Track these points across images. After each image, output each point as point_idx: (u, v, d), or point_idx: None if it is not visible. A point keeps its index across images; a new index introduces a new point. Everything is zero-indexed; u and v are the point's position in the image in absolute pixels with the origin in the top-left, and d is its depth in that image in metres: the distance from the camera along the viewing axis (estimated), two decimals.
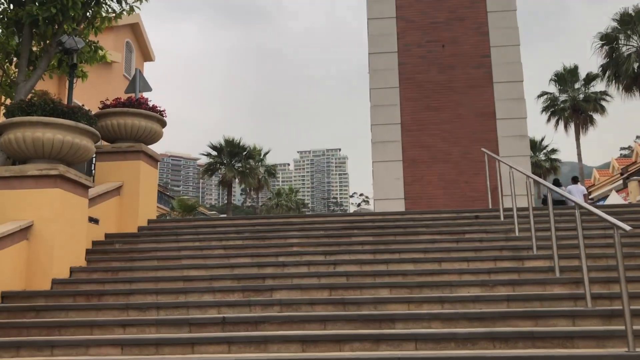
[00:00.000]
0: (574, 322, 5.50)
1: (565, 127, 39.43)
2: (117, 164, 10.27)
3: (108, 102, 10.62)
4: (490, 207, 14.77)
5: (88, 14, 11.05)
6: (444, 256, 7.66)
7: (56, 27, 10.38)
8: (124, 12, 11.63)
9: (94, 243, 9.10)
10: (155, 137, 10.80)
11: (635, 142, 58.70)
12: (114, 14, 11.56)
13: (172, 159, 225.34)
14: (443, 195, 14.78)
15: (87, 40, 11.55)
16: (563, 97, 39.57)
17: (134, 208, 10.11)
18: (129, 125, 10.23)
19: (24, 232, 7.39)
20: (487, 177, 11.22)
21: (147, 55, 36.43)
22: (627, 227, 4.79)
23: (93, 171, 10.61)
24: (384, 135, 15.18)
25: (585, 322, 5.48)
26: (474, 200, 14.68)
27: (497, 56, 15.30)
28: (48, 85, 13.20)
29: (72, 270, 7.85)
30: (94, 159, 10.58)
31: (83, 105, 10.58)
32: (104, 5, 11.11)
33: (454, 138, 15.05)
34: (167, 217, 30.29)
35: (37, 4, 10.02)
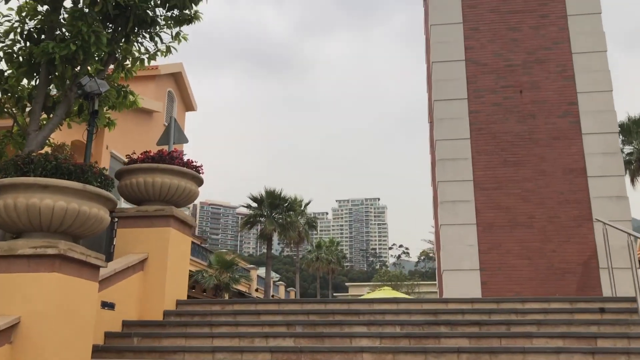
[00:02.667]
0: None
1: (632, 181, 36.40)
2: (143, 231, 8.41)
3: (135, 156, 8.88)
4: (585, 281, 12.36)
5: (117, 54, 9.43)
6: None
7: (78, 67, 8.76)
8: (159, 53, 10.00)
9: (107, 335, 7.15)
10: (189, 198, 8.94)
11: None
12: (147, 55, 9.93)
13: (211, 207, 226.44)
14: (526, 267, 12.40)
15: (116, 84, 9.94)
16: (628, 149, 36.75)
17: (160, 287, 8.17)
18: (158, 184, 8.41)
19: (7, 333, 5.48)
20: (608, 252, 8.85)
21: (189, 105, 35.54)
22: None
23: (114, 239, 8.77)
24: (454, 194, 13.02)
25: None
26: (564, 274, 12.25)
27: (585, 103, 13.12)
28: (78, 135, 11.65)
29: None
30: (115, 224, 8.77)
31: (129, 155, 8.88)
32: (135, 43, 9.48)
33: (537, 198, 12.77)
34: (203, 275, 28.41)
35: (55, 40, 8.43)
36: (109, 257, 8.56)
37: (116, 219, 8.68)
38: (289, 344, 6.67)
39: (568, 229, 12.49)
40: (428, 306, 7.96)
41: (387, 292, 36.07)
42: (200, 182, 9.11)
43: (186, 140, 10.41)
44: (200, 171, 9.10)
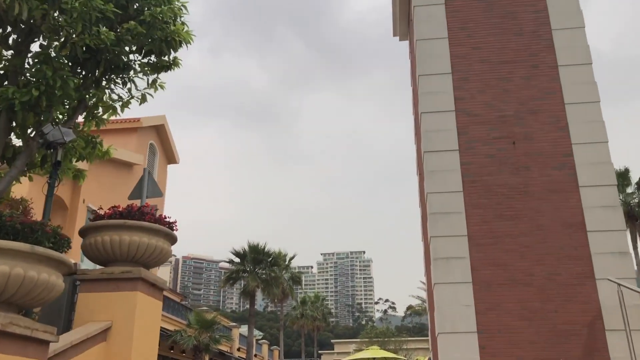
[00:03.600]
0: None
1: None
2: (107, 296, 7.52)
3: (102, 212, 8.06)
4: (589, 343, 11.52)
5: (87, 100, 8.75)
6: None
7: (41, 115, 8.03)
8: (134, 100, 9.34)
9: None
10: (161, 258, 8.10)
11: None
12: (120, 102, 9.26)
13: (194, 262, 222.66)
14: (527, 329, 11.55)
15: (85, 134, 9.21)
16: None
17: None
18: (126, 242, 7.58)
19: None
20: (625, 314, 8.10)
21: (170, 157, 34.86)
22: None
23: (75, 305, 7.82)
24: (448, 250, 12.27)
25: None
26: (569, 336, 11.41)
27: (581, 155, 12.63)
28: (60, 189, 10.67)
29: None
30: (77, 287, 7.86)
31: (99, 209, 8.05)
32: (106, 89, 8.81)
33: (535, 255, 12.06)
34: (182, 335, 26.95)
35: (17, 86, 7.74)
36: (68, 326, 7.62)
37: (78, 282, 7.78)
38: None
39: (569, 287, 11.73)
40: None
41: (375, 352, 34.67)
42: (173, 240, 8.29)
43: (160, 194, 9.63)
44: (174, 228, 8.30)
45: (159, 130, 32.12)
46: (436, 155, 13.08)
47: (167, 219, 8.27)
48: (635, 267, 34.00)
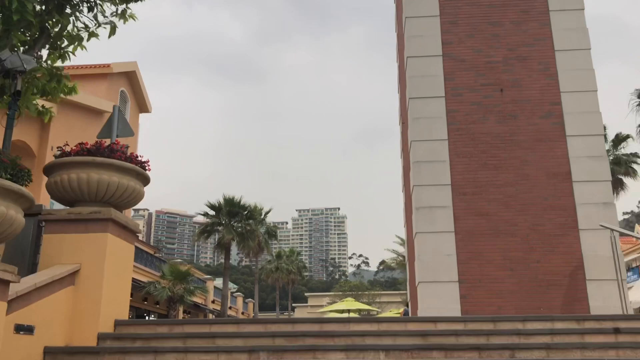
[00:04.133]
0: None
1: None
2: (75, 238, 6.99)
3: (68, 149, 7.46)
4: (568, 295, 11.45)
5: (49, 28, 8.00)
6: None
7: None
8: (102, 29, 8.62)
9: None
10: (132, 199, 7.57)
11: None
12: (86, 32, 8.52)
13: (167, 216, 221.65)
14: (508, 279, 11.42)
15: (48, 65, 8.49)
16: None
17: (95, 305, 6.75)
18: (94, 181, 7.02)
19: None
20: (618, 264, 7.91)
21: (143, 106, 33.78)
22: None
23: (40, 248, 7.29)
24: (431, 199, 11.97)
25: None
26: (550, 286, 11.32)
27: (569, 104, 12.31)
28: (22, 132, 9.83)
29: None
30: (42, 229, 7.32)
31: (65, 145, 7.44)
32: (70, 18, 8.07)
33: (520, 204, 11.84)
34: (156, 287, 26.61)
35: None
36: (33, 270, 7.11)
37: (43, 223, 7.23)
38: None
39: (553, 237, 11.59)
40: (414, 326, 6.80)
41: (349, 304, 34.98)
42: (146, 180, 7.74)
43: (132, 133, 9.02)
44: (147, 167, 7.75)
45: (130, 78, 30.95)
46: (421, 101, 12.62)
47: (140, 158, 7.71)
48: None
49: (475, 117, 12.44)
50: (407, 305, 23.02)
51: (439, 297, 11.35)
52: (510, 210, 11.84)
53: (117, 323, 7.02)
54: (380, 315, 43.06)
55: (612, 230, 8.15)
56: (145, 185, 7.81)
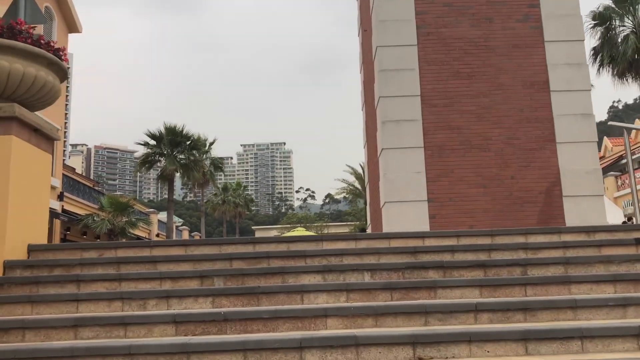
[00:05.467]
0: None
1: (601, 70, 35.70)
2: None
3: None
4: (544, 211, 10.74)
5: None
6: None
7: None
8: None
9: None
10: (45, 94, 6.00)
11: None
12: None
13: (107, 151, 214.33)
14: (481, 197, 10.54)
15: None
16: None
17: None
18: None
19: None
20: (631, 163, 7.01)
21: (72, 26, 30.70)
22: None
23: None
24: (398, 112, 10.79)
25: None
26: (524, 204, 10.53)
27: (548, 6, 11.19)
28: None
29: None
30: None
31: None
32: None
33: (494, 117, 10.84)
34: (94, 219, 24.88)
35: None
36: None
37: None
38: (204, 308, 4.17)
39: (528, 151, 10.71)
40: (397, 243, 5.71)
41: (300, 232, 34.21)
42: (62, 72, 6.15)
43: (44, 21, 7.26)
44: (62, 57, 6.13)
45: None
46: (388, 2, 11.19)
47: (53, 44, 6.08)
48: None
49: (447, 20, 11.16)
50: (363, 232, 22.38)
51: (407, 217, 10.39)
52: (484, 123, 10.83)
53: (32, 249, 5.61)
54: None
55: (624, 127, 7.20)
56: (61, 80, 6.22)
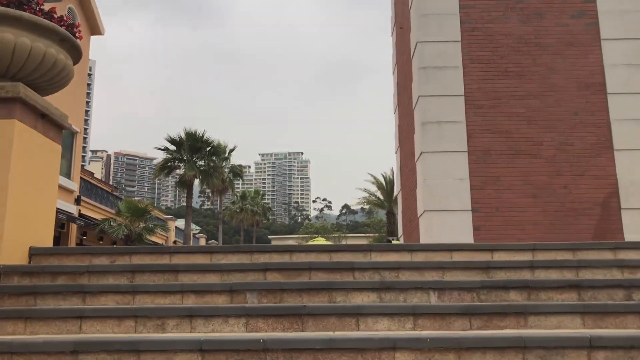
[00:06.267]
0: None
1: None
2: None
3: None
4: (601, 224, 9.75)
5: None
6: None
7: None
8: None
9: None
10: (56, 75, 5.24)
11: None
12: None
13: (126, 158, 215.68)
14: (531, 207, 9.59)
15: None
16: None
17: None
18: None
19: None
20: None
21: (94, 28, 30.31)
22: None
23: None
24: (439, 113, 9.91)
25: None
26: (578, 216, 9.56)
27: (605, 1, 10.25)
28: None
29: None
30: None
31: None
32: None
33: (545, 120, 9.91)
34: (111, 224, 24.26)
35: None
36: None
37: None
38: (236, 331, 3.32)
39: (583, 159, 9.75)
40: (461, 256, 4.81)
41: (320, 242, 33.36)
42: (76, 52, 5.39)
43: None
44: (77, 34, 5.37)
45: None
46: None
47: (66, 19, 5.32)
48: None
49: (494, 15, 10.28)
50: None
51: (448, 228, 9.47)
52: (534, 126, 9.90)
53: (34, 252, 4.82)
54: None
55: None
56: (75, 61, 5.46)
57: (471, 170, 9.74)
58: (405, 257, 4.73)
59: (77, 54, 5.39)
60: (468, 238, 9.41)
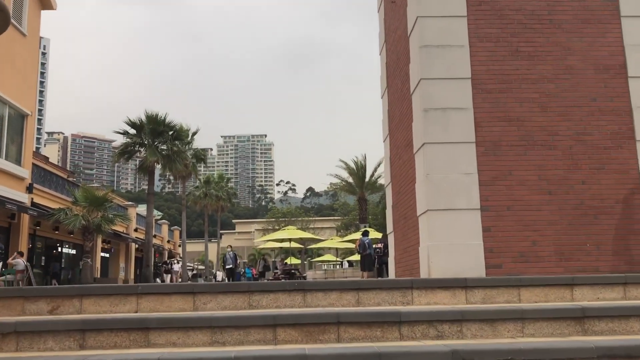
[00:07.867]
0: None
1: None
2: None
3: None
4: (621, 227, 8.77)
5: None
6: None
7: None
8: None
9: None
10: None
11: None
12: None
13: (84, 140, 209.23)
14: (546, 205, 8.52)
15: None
16: None
17: None
18: None
19: None
20: None
21: (45, 1, 28.04)
22: None
23: None
24: (444, 98, 8.70)
25: None
26: (598, 215, 8.54)
27: None
28: None
29: None
30: None
31: None
32: None
33: (560, 107, 8.82)
34: (67, 214, 22.43)
35: None
36: None
37: None
38: None
39: (602, 151, 8.72)
40: (533, 295, 3.61)
41: (290, 232, 32.11)
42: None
43: None
44: None
45: None
46: None
47: None
48: None
49: None
50: (365, 235, 20.23)
51: (454, 230, 8.33)
52: (549, 114, 8.80)
53: None
54: (322, 242, 40.61)
55: None
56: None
57: (479, 163, 8.60)
58: (459, 297, 3.51)
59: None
60: (477, 241, 8.29)
